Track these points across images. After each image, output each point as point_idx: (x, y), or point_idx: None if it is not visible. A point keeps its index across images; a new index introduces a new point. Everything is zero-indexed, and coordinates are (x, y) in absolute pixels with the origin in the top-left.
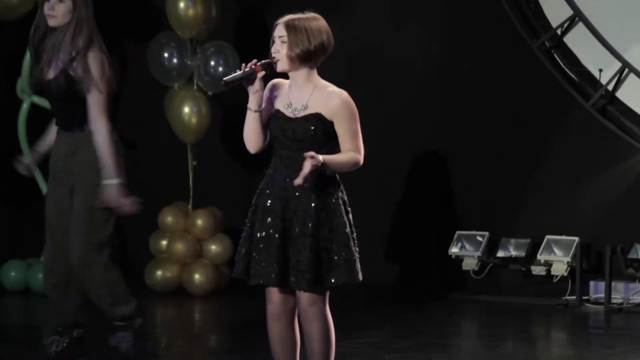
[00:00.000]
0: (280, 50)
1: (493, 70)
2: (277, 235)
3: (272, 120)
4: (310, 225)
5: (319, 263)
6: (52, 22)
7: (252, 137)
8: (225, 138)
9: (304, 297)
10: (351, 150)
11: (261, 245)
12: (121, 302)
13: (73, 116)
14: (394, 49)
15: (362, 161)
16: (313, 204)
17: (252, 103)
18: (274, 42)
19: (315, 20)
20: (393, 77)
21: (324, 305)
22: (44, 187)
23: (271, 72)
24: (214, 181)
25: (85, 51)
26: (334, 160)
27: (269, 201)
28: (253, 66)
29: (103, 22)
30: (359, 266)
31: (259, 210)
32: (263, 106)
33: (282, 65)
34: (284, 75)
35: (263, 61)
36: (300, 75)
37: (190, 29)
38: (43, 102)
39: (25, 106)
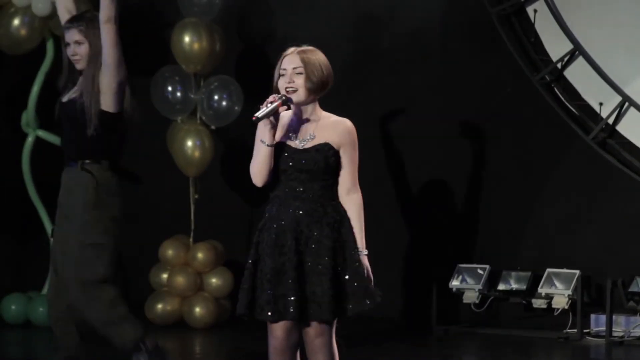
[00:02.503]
0: (295, 81)
1: (493, 103)
2: (292, 269)
3: (278, 155)
4: (325, 257)
5: (337, 293)
6: (78, 66)
7: (263, 171)
8: (227, 172)
9: (313, 328)
10: (349, 179)
11: (274, 280)
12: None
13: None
14: (391, 83)
15: (361, 197)
16: (326, 235)
17: (267, 137)
18: (281, 74)
19: (320, 52)
20: (391, 110)
21: (331, 337)
22: (46, 221)
23: (288, 106)
24: (215, 214)
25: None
26: (363, 234)
27: (278, 235)
28: (274, 101)
29: None
30: (373, 289)
31: (264, 245)
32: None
33: (298, 97)
34: None
35: (281, 96)
36: (309, 108)
37: (195, 63)
38: (48, 136)
39: (29, 140)
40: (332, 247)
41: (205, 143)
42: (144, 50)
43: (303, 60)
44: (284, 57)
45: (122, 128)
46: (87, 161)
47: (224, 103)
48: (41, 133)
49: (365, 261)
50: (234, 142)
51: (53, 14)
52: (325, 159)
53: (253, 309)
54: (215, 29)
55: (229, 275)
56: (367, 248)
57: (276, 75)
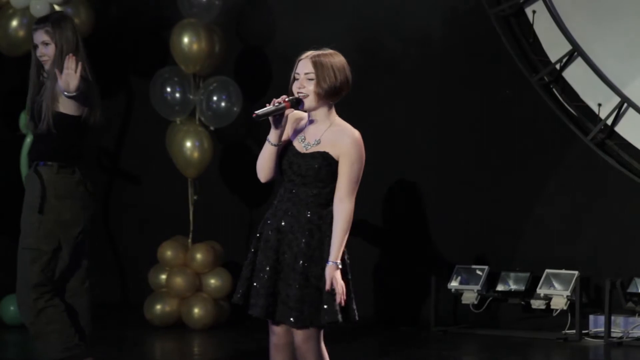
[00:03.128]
0: (306, 87)
1: (492, 105)
2: (268, 268)
3: (284, 153)
4: (301, 262)
5: (308, 300)
6: (47, 67)
7: (266, 168)
8: (226, 173)
9: (299, 333)
10: (342, 189)
11: (261, 275)
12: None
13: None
14: (391, 84)
15: (352, 210)
16: (305, 241)
17: (273, 137)
18: (295, 78)
19: (337, 56)
20: (392, 111)
21: (319, 342)
22: None
23: (297, 109)
24: (214, 215)
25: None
26: (340, 244)
27: (270, 231)
28: (282, 102)
29: (108, 57)
30: (354, 305)
31: (262, 239)
32: (282, 139)
33: (308, 103)
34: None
35: (292, 97)
36: (321, 112)
37: (194, 64)
38: None
39: (27, 141)
40: (307, 252)
41: (204, 144)
42: (143, 51)
43: (315, 65)
44: (299, 61)
45: (79, 131)
46: (41, 163)
47: (222, 104)
48: None
49: (332, 272)
50: (233, 143)
51: None
52: (319, 167)
53: (248, 299)
54: (215, 30)
55: (228, 276)
56: (364, 250)
57: (292, 78)
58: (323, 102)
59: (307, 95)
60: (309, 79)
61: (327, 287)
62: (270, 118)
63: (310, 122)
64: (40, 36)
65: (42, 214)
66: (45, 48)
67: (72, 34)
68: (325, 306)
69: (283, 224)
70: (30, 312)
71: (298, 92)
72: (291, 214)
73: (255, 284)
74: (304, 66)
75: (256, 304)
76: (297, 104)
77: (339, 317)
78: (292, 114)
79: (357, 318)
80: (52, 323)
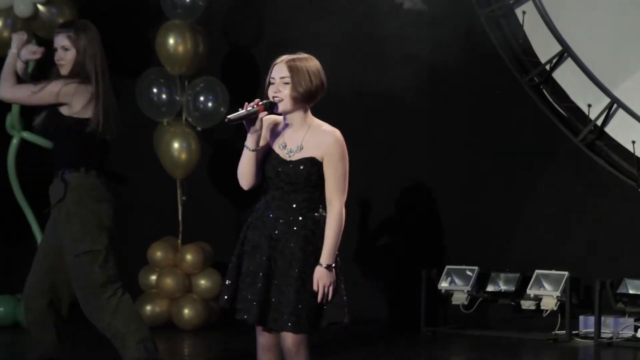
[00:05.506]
0: (282, 91)
1: (482, 105)
2: (261, 274)
3: (267, 161)
4: (296, 268)
5: (305, 306)
6: (62, 71)
7: (247, 175)
8: (215, 173)
9: (287, 337)
10: (329, 190)
11: (248, 280)
12: (133, 346)
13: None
14: (381, 84)
15: (343, 209)
16: (300, 247)
17: (251, 142)
18: (271, 82)
19: (312, 61)
20: (381, 113)
21: (305, 347)
22: (33, 222)
23: (272, 112)
24: (203, 216)
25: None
26: (332, 247)
27: (258, 237)
28: (255, 106)
29: None
30: (345, 308)
31: (247, 243)
32: (260, 145)
33: (284, 107)
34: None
35: (265, 101)
36: (297, 116)
37: (180, 65)
38: (33, 138)
39: (14, 142)
40: (303, 258)
41: (192, 145)
42: (129, 52)
43: (291, 70)
44: (274, 65)
45: (94, 135)
46: (66, 171)
47: (209, 104)
48: (26, 135)
49: (320, 275)
50: (220, 143)
51: (35, 16)
52: (308, 173)
53: (234, 303)
54: (199, 31)
55: (218, 276)
56: (355, 251)
57: (267, 82)
58: (299, 106)
59: (282, 100)
60: (285, 83)
61: (315, 288)
62: (244, 122)
63: (287, 126)
64: (61, 40)
65: (84, 221)
66: (64, 52)
67: (95, 43)
68: (326, 307)
69: (276, 232)
70: (105, 312)
71: (274, 97)
72: (283, 221)
73: (243, 291)
74: (280, 70)
75: (249, 310)
76: (271, 107)
77: (346, 317)
78: (267, 118)
79: (346, 320)
80: (129, 322)
